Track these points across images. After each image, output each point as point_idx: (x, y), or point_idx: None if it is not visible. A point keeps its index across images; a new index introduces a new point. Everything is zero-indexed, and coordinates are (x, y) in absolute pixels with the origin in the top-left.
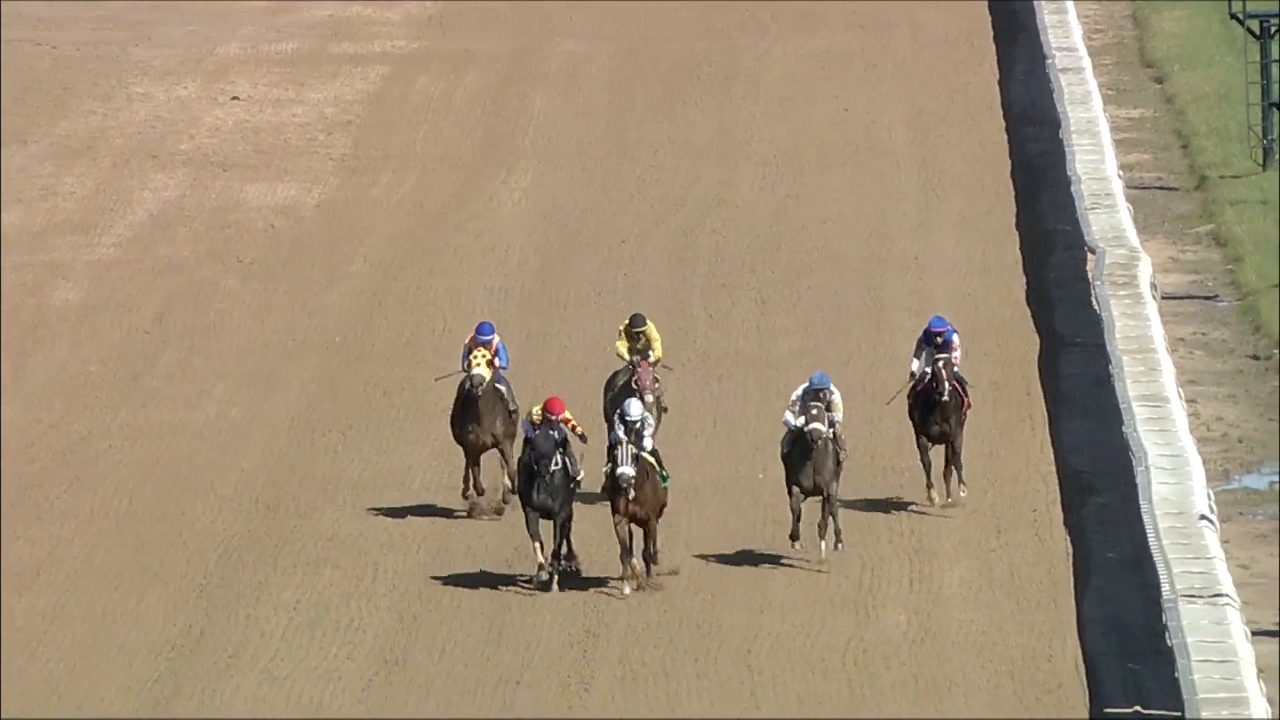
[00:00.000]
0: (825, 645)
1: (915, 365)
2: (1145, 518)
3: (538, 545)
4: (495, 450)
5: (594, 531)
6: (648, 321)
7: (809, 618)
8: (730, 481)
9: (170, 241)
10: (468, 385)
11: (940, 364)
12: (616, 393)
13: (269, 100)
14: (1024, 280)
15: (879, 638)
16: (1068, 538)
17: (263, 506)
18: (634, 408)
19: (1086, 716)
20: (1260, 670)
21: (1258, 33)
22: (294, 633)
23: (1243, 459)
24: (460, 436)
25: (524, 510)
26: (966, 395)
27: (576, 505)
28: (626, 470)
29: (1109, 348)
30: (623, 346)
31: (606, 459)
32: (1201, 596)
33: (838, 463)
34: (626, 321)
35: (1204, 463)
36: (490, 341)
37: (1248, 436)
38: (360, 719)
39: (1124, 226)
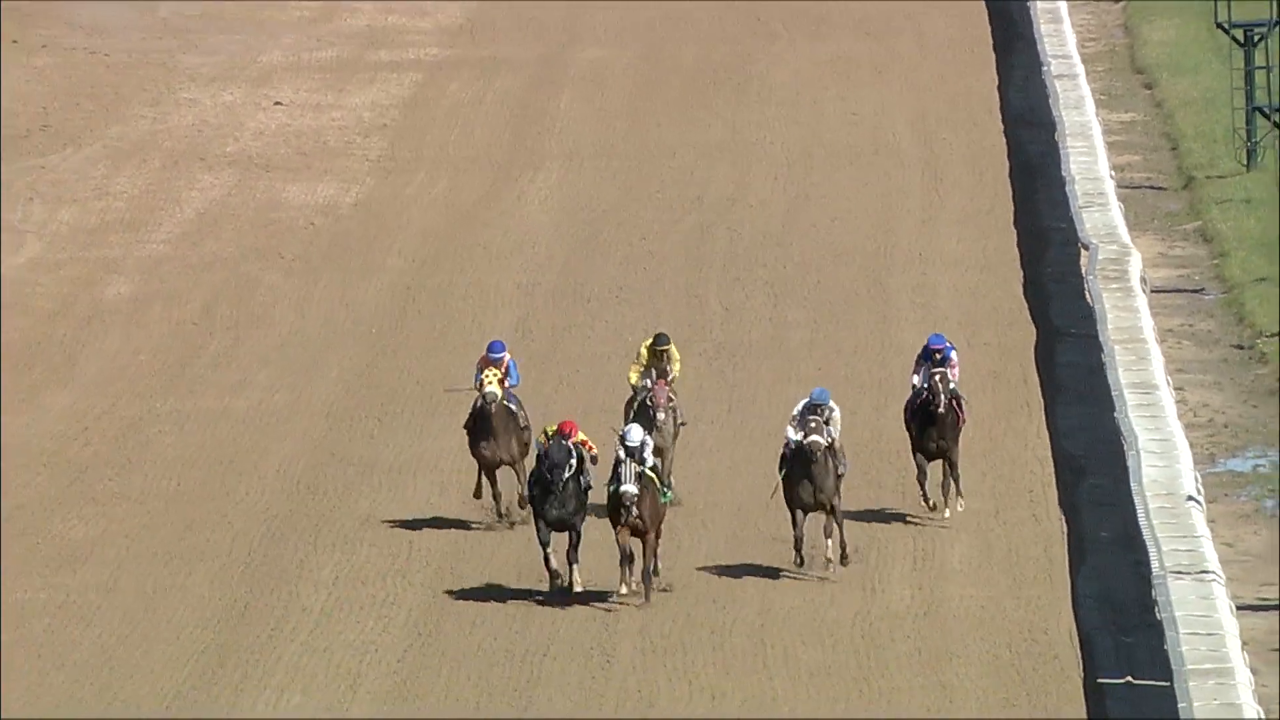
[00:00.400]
0: (834, 619)
1: (915, 379)
2: (1136, 499)
3: (549, 554)
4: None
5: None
6: (671, 341)
7: (819, 593)
8: (744, 466)
9: (216, 238)
10: (480, 403)
11: (937, 378)
12: (636, 409)
13: (309, 105)
14: (1021, 274)
15: (885, 611)
16: (1063, 517)
17: (303, 488)
18: (634, 433)
19: (1080, 686)
20: (1245, 642)
21: (1242, 41)
22: (333, 607)
23: (1228, 443)
24: (476, 453)
25: (536, 523)
26: (963, 411)
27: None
28: (629, 488)
29: (1101, 338)
30: (634, 374)
31: (610, 478)
32: (1189, 573)
33: (838, 476)
34: (650, 340)
35: (1191, 447)
36: (501, 359)
37: (1233, 422)
38: (371, 719)
39: (1116, 224)
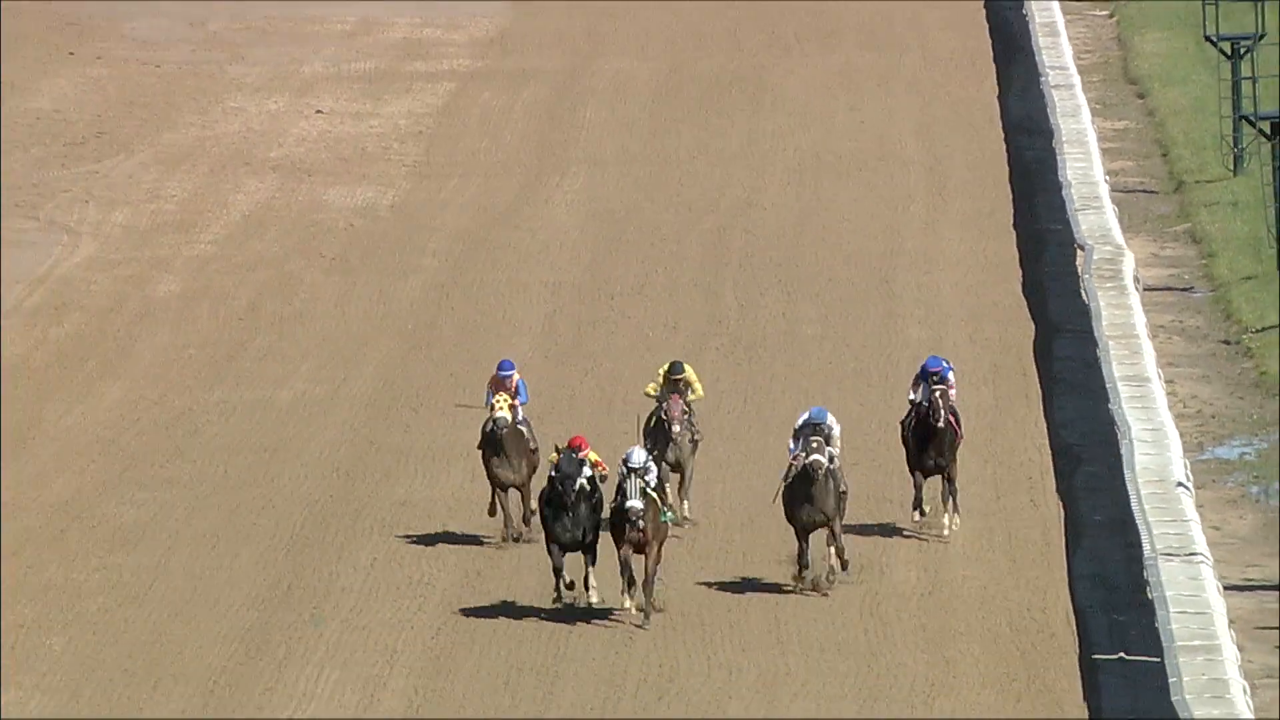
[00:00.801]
0: (844, 597)
1: (913, 396)
2: (1129, 485)
3: (560, 576)
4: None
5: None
6: (686, 367)
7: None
8: (759, 453)
9: (261, 239)
10: (490, 427)
11: (937, 394)
12: (653, 426)
13: (349, 113)
14: (1020, 274)
15: (891, 591)
16: (1059, 503)
17: (343, 475)
18: (636, 455)
19: (1076, 661)
20: (1231, 621)
21: (1229, 53)
22: (371, 587)
23: (1215, 433)
24: (489, 472)
25: (548, 545)
26: (960, 428)
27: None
28: (635, 504)
29: (1096, 334)
30: (651, 388)
31: (614, 495)
32: (1179, 555)
33: (839, 495)
34: (666, 367)
35: (1181, 436)
36: (510, 378)
37: (1220, 413)
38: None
39: (1110, 226)
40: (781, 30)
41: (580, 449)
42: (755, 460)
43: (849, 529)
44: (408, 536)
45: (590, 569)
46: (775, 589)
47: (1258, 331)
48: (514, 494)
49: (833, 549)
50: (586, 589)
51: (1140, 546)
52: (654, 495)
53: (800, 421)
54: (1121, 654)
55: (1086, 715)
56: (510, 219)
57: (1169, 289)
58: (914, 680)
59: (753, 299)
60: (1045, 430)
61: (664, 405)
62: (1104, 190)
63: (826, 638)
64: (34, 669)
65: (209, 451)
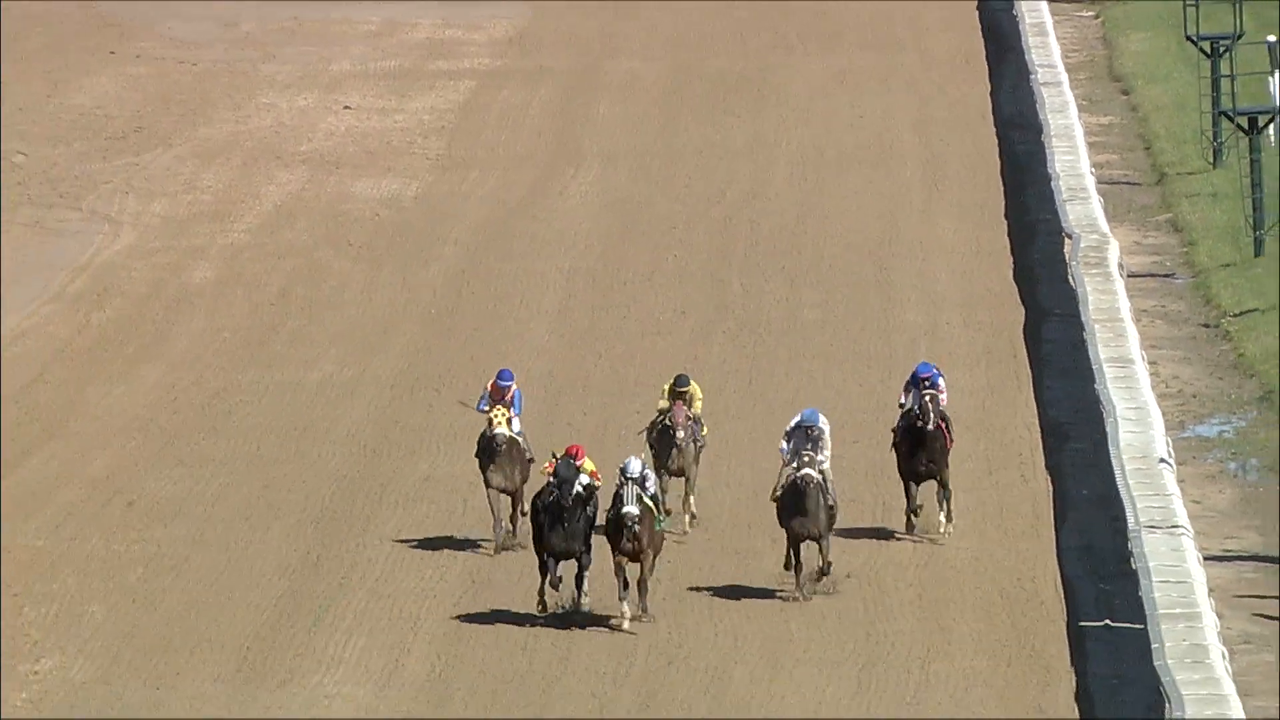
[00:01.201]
0: (845, 568)
1: (904, 400)
2: (1114, 461)
3: (547, 584)
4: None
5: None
6: (691, 381)
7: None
8: (763, 431)
9: (291, 229)
10: (487, 441)
11: (927, 398)
12: (658, 433)
13: (375, 109)
14: (1011, 261)
15: (889, 562)
16: (1048, 478)
17: (369, 452)
18: (634, 465)
19: (1064, 628)
20: (1211, 589)
21: (1209, 52)
22: (396, 558)
23: (1196, 412)
24: (486, 479)
25: (540, 554)
26: (950, 433)
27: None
28: (632, 509)
29: (1083, 318)
30: (662, 403)
31: (611, 503)
32: (1161, 527)
33: (829, 510)
34: (671, 381)
35: (1163, 415)
36: (508, 388)
37: (1200, 393)
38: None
39: (1096, 215)
40: (785, 31)
41: (577, 457)
42: (760, 438)
43: (845, 531)
44: (431, 510)
45: (584, 575)
46: (777, 559)
47: (1236, 316)
48: (505, 502)
49: (819, 563)
50: (579, 595)
51: (1125, 519)
52: (650, 504)
53: (793, 423)
54: (1107, 621)
55: (1074, 679)
56: (527, 210)
57: (1152, 275)
58: (911, 646)
59: (757, 285)
60: (1035, 409)
61: (669, 413)
62: (1090, 182)
63: (827, 606)
64: (77, 635)
65: (242, 430)
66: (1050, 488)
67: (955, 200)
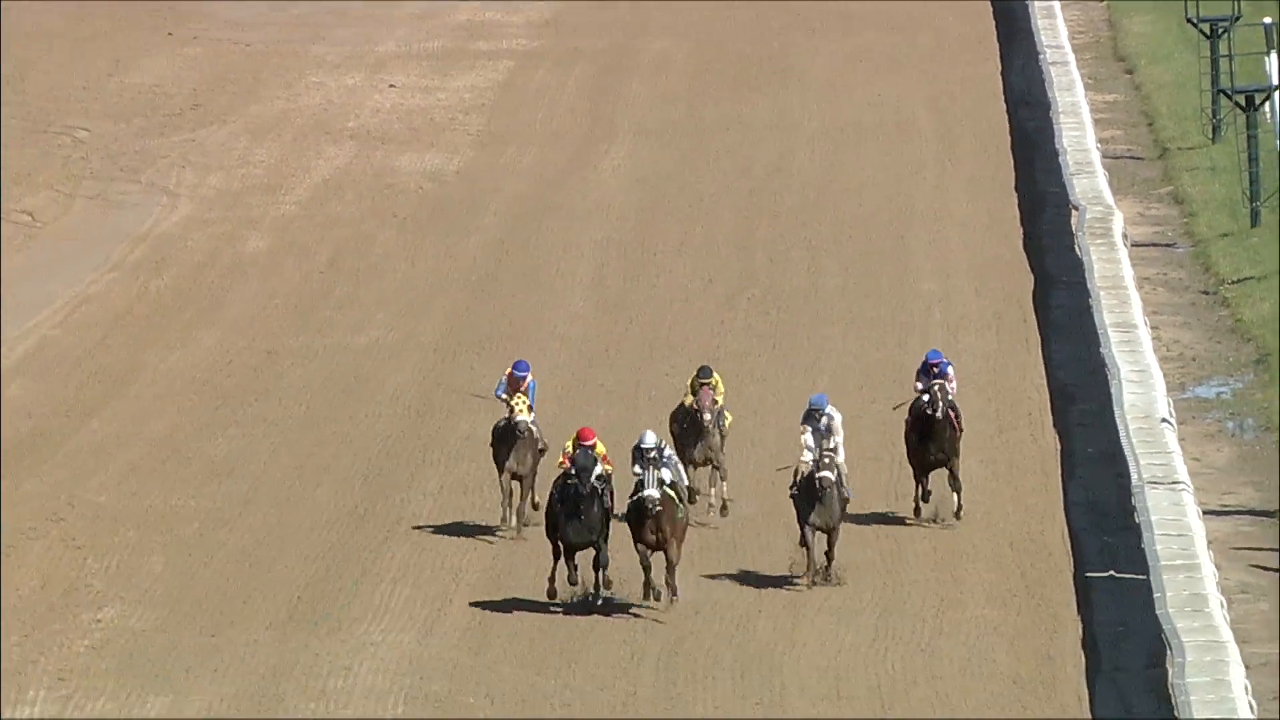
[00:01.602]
0: (862, 523)
1: (919, 385)
2: (1118, 421)
3: (563, 569)
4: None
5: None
6: (714, 373)
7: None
8: (786, 393)
9: (340, 200)
10: (506, 424)
11: (936, 387)
12: (681, 422)
13: (419, 88)
14: (1021, 231)
15: (905, 515)
16: (1056, 436)
17: (413, 412)
18: (649, 438)
19: (1071, 579)
20: (1210, 542)
21: (1208, 33)
22: (438, 513)
23: (1196, 374)
24: (498, 461)
25: (555, 545)
26: (959, 422)
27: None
28: (652, 493)
29: (1089, 285)
30: (688, 399)
31: (632, 490)
32: (1163, 483)
33: (843, 503)
34: (695, 373)
35: (1164, 376)
36: (524, 379)
37: (1199, 356)
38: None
39: (1101, 188)
40: (806, 14)
41: (587, 439)
42: (783, 399)
43: (862, 487)
44: (471, 468)
45: (602, 566)
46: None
47: (1234, 283)
48: (515, 487)
49: (829, 562)
50: (598, 589)
51: (1128, 476)
52: (670, 492)
53: (805, 410)
54: (1111, 572)
55: (1080, 626)
56: (562, 183)
57: (1154, 245)
58: (925, 596)
59: (781, 255)
60: (1043, 371)
61: (695, 398)
62: (1096, 157)
63: (846, 559)
64: (137, 586)
65: (293, 391)
66: (1058, 446)
67: (968, 174)
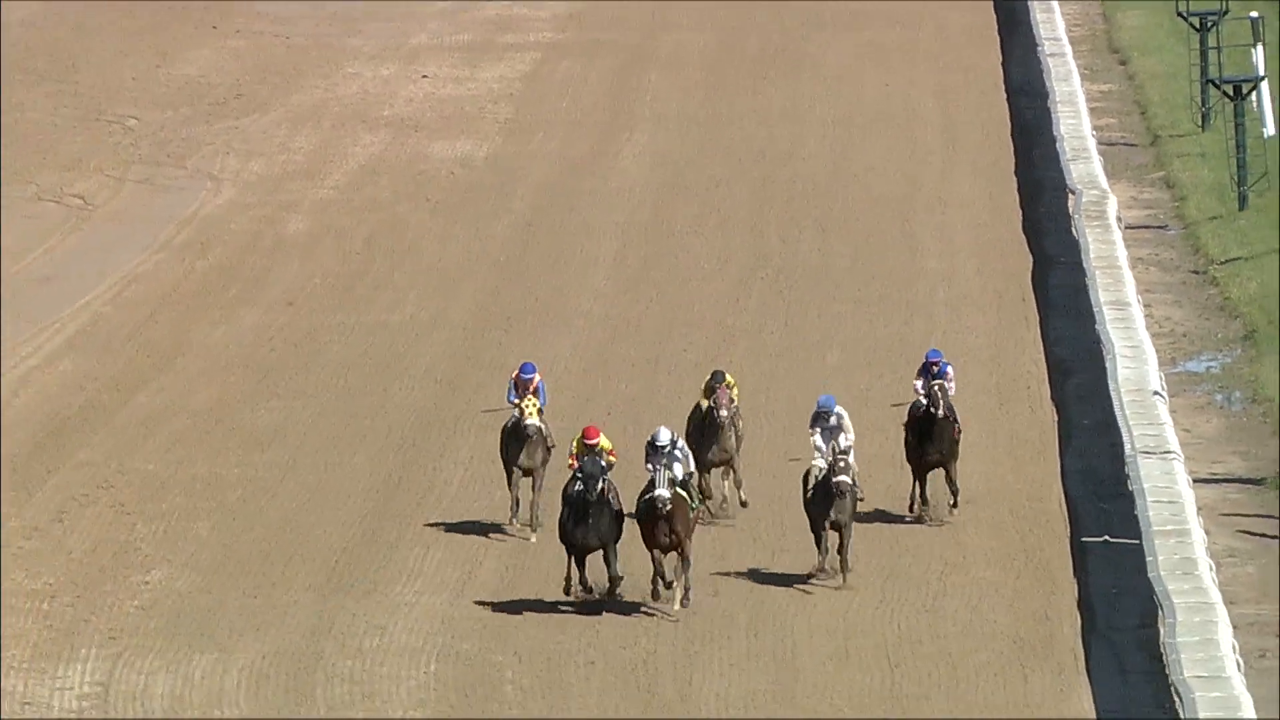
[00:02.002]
0: (869, 489)
1: (919, 384)
2: (1112, 393)
3: (576, 574)
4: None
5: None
6: (727, 376)
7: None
8: (798, 367)
9: (375, 185)
10: (515, 426)
11: (936, 386)
12: (697, 424)
13: (450, 78)
14: (1020, 214)
15: (909, 483)
16: (1053, 408)
17: (445, 385)
18: (663, 434)
19: (1067, 543)
20: (1199, 509)
21: (1198, 26)
22: (469, 480)
23: (1186, 349)
24: (507, 462)
25: (567, 549)
26: (957, 422)
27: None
28: (663, 492)
29: (1085, 265)
30: (704, 403)
31: (643, 489)
32: (1155, 453)
33: (855, 502)
34: (709, 377)
35: (1156, 352)
36: (532, 380)
37: (1190, 332)
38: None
39: (1096, 173)
40: (818, 9)
41: (592, 438)
42: (795, 373)
43: (868, 457)
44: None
45: (614, 569)
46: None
47: (1222, 263)
48: (526, 483)
49: (840, 555)
50: (611, 593)
51: (1122, 446)
52: (681, 492)
53: (814, 411)
54: (1106, 537)
55: (1076, 588)
56: (586, 168)
57: (1146, 227)
58: (929, 560)
59: (792, 236)
60: (1041, 347)
61: (713, 397)
62: (1091, 143)
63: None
64: (183, 550)
65: (331, 366)
66: (1055, 417)
67: (970, 160)
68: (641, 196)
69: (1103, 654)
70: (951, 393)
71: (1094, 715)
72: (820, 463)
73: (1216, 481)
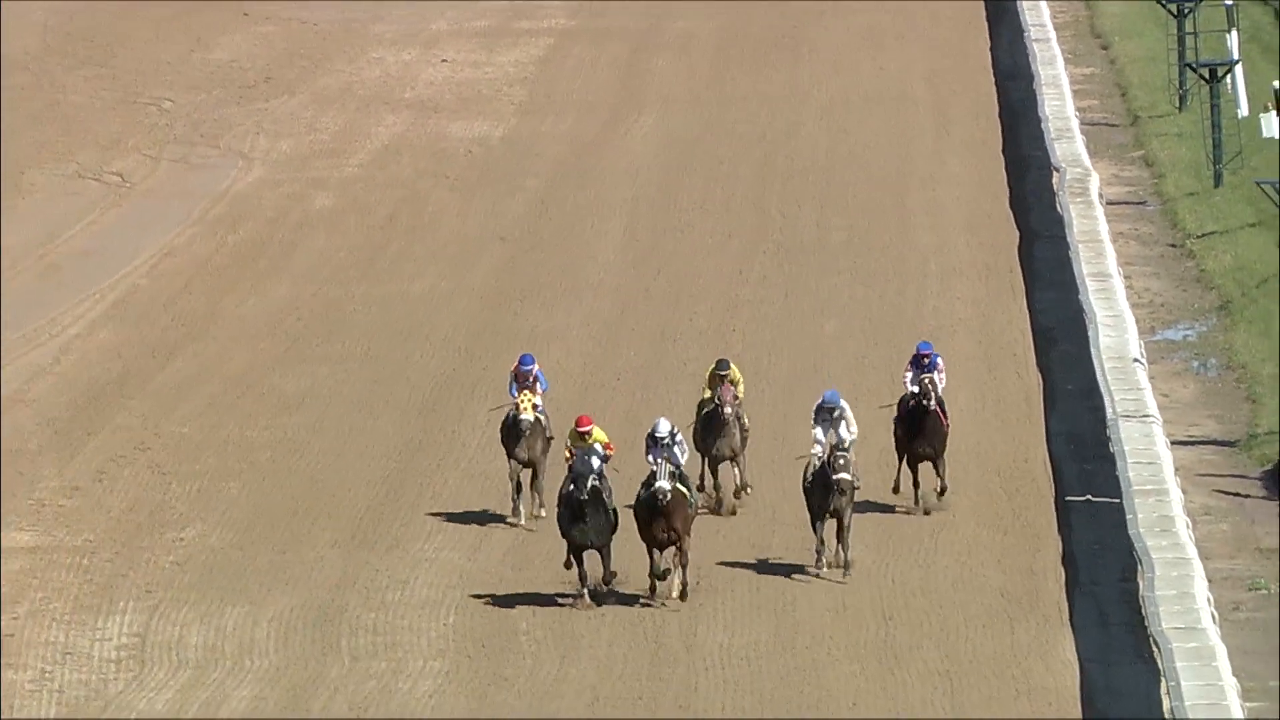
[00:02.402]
0: (863, 456)
1: (908, 377)
2: (1094, 360)
3: (580, 572)
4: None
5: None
6: (732, 365)
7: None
8: (796, 336)
9: (397, 164)
10: (510, 419)
11: (926, 380)
12: (702, 419)
13: (468, 62)
14: (1008, 190)
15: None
16: (1038, 374)
17: (463, 352)
18: (663, 425)
19: (1052, 503)
20: (1177, 469)
21: (1176, 13)
22: (486, 443)
23: (1164, 319)
24: (508, 452)
25: (567, 544)
26: (946, 416)
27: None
28: (664, 484)
29: (1069, 239)
30: (707, 393)
31: (644, 482)
32: (1134, 416)
33: (853, 492)
34: (713, 365)
35: (1136, 321)
36: (530, 371)
37: (1168, 302)
38: None
39: (1080, 152)
40: None
41: (584, 426)
42: (794, 341)
43: (865, 423)
44: None
45: (609, 564)
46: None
47: (1198, 237)
48: (526, 474)
49: (840, 545)
50: (607, 583)
51: (1104, 409)
52: (681, 488)
53: (816, 404)
54: (1088, 496)
55: (1060, 545)
56: (597, 148)
57: (1127, 203)
58: (921, 519)
59: (793, 211)
60: (1027, 316)
61: (716, 393)
62: (1075, 124)
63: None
64: (215, 508)
65: (356, 334)
66: (1040, 383)
67: (960, 139)
68: (649, 175)
69: (1085, 606)
70: (942, 385)
71: (1077, 663)
72: (818, 449)
73: (1193, 443)
